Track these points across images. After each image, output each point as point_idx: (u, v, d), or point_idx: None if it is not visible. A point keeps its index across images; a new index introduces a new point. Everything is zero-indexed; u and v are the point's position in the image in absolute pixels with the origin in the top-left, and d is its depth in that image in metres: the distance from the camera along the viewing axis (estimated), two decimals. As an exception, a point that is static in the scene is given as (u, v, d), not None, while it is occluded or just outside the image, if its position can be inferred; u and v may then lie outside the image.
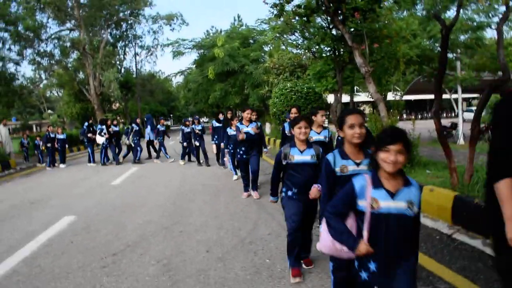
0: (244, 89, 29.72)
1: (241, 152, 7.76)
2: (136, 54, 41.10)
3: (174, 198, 8.00)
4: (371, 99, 10.92)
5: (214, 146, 12.19)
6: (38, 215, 7.13)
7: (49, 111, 60.49)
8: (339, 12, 9.23)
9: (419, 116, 46.54)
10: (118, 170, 12.98)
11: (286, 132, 6.49)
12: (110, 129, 14.87)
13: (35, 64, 32.95)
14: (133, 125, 14.91)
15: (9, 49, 29.31)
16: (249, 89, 28.64)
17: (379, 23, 11.55)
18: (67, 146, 16.67)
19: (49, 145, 15.10)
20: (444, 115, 44.65)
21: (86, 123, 15.77)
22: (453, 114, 41.46)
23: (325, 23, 12.59)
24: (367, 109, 50.93)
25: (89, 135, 15.10)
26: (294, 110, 6.57)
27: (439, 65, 6.26)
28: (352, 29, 10.13)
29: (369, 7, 8.63)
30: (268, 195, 6.59)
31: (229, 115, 11.03)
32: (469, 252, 4.22)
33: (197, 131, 12.97)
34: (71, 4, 31.30)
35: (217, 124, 11.96)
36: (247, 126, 7.61)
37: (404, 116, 40.58)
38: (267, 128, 23.43)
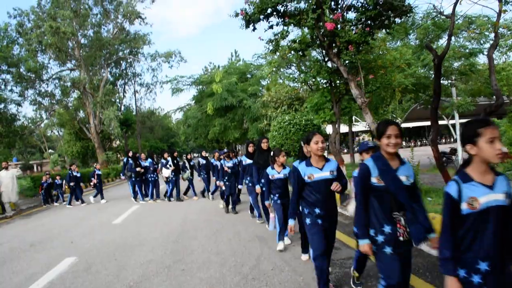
0: (243, 123, 30.00)
1: (314, 213, 3.94)
2: (135, 92, 41.66)
3: (176, 236, 7.90)
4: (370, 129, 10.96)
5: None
6: (39, 257, 7.02)
7: (50, 150, 60.64)
8: (334, 45, 9.39)
9: (419, 143, 46.67)
10: (119, 209, 12.86)
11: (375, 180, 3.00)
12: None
13: (36, 104, 33.44)
14: (200, 159, 14.09)
15: (11, 91, 29.88)
16: (248, 123, 28.92)
17: (373, 54, 11.77)
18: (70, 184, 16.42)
19: (72, 184, 15.08)
20: (443, 140, 44.78)
21: (126, 158, 14.93)
22: (451, 140, 41.61)
23: (320, 57, 12.82)
24: (366, 138, 51.17)
25: (138, 169, 14.07)
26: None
27: (434, 94, 6.35)
28: (347, 61, 10.30)
29: (362, 40, 8.77)
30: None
31: (264, 146, 7.65)
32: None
33: (226, 168, 10.08)
34: (72, 45, 31.94)
35: (248, 161, 8.59)
36: (321, 169, 3.93)
37: (404, 143, 40.68)
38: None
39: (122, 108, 41.28)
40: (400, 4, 8.42)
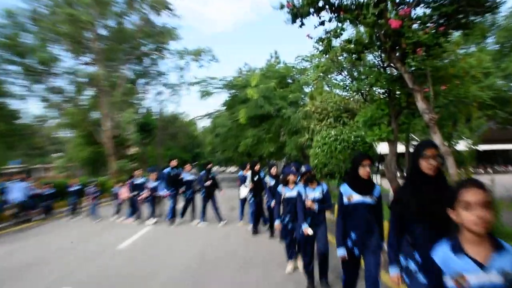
0: (280, 136, 29.67)
1: None
2: (158, 93, 42.18)
3: (193, 270, 7.59)
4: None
5: None
6: (30, 286, 6.88)
7: (57, 154, 61.98)
8: (397, 47, 8.95)
9: (490, 170, 45.01)
10: (127, 231, 12.68)
11: None
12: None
13: (46, 101, 34.02)
14: (268, 179, 12.16)
15: (12, 83, 30.27)
16: (286, 136, 28.57)
17: (443, 60, 11.22)
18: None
19: (135, 193, 14.46)
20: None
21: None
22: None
23: (377, 61, 12.38)
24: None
25: (208, 182, 13.06)
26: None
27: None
28: (412, 68, 9.81)
29: (434, 42, 8.28)
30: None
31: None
32: None
33: (309, 202, 6.07)
34: (89, 36, 32.53)
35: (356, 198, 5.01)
36: None
37: (471, 169, 39.31)
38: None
39: (143, 110, 41.82)
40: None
